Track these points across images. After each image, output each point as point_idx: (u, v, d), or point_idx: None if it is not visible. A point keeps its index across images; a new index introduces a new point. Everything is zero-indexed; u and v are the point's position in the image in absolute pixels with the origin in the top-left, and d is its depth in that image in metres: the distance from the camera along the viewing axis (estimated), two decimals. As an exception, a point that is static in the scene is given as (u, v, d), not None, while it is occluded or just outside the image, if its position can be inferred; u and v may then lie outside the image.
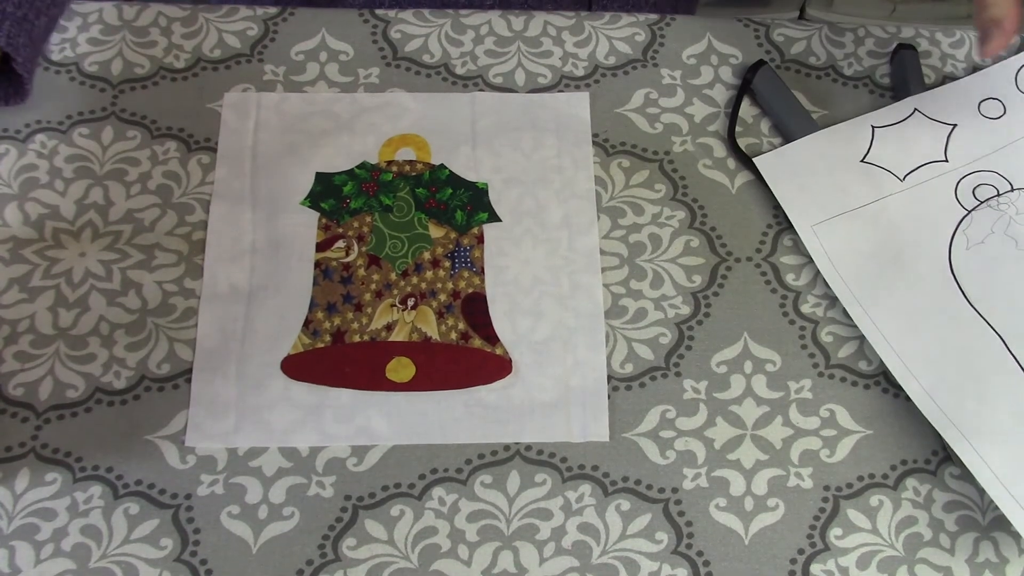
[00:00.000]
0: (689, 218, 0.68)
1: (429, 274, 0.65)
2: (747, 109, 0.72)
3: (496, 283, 0.65)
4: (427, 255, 0.65)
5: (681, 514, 0.59)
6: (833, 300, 0.65)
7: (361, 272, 0.65)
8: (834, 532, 0.59)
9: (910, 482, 0.61)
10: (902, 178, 0.69)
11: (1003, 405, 0.60)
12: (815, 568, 0.58)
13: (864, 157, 0.69)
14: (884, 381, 0.63)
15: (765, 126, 0.72)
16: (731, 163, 0.70)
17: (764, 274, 0.66)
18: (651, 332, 0.64)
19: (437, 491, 0.59)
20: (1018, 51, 0.75)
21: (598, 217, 0.67)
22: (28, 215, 0.65)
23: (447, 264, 0.65)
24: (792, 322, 0.65)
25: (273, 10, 0.73)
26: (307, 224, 0.66)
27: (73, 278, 0.63)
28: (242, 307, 0.63)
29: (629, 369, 0.63)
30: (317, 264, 0.65)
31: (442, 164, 0.68)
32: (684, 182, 0.69)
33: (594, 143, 0.70)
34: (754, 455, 0.61)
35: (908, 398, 0.61)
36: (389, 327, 0.63)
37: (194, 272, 0.64)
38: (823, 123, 0.71)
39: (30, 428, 0.60)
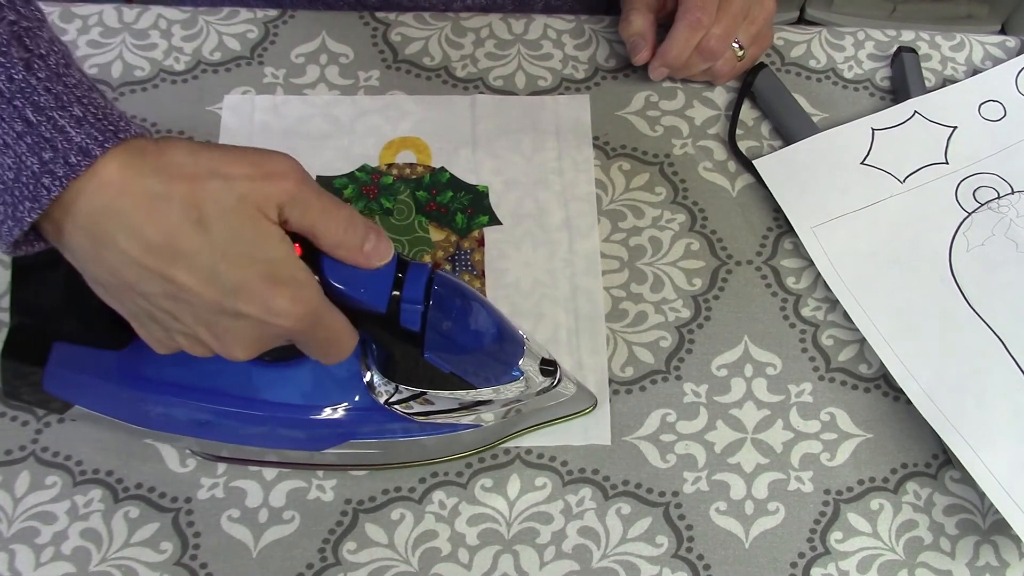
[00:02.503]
0: (689, 221, 0.68)
1: (429, 277, 0.65)
2: (748, 112, 0.72)
3: (496, 286, 0.65)
4: (427, 258, 0.65)
5: (681, 518, 0.59)
6: (834, 303, 0.65)
7: (361, 275, 0.65)
8: (834, 536, 0.59)
9: (910, 486, 0.61)
10: (902, 180, 0.69)
11: (1003, 407, 0.60)
12: (815, 572, 0.58)
13: (864, 159, 0.69)
14: (884, 384, 0.63)
15: (766, 129, 0.72)
16: (731, 166, 0.70)
17: (764, 277, 0.66)
18: (651, 335, 0.64)
19: (437, 495, 0.59)
20: (1018, 54, 0.75)
21: (598, 220, 0.67)
22: (28, 218, 0.65)
23: (447, 267, 0.65)
24: (792, 325, 0.65)
25: (273, 12, 0.73)
26: (307, 227, 0.66)
27: (73, 281, 0.63)
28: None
29: (630, 372, 0.63)
30: (317, 267, 0.65)
31: (442, 167, 0.68)
32: (684, 185, 0.69)
33: (594, 146, 0.70)
34: (754, 459, 0.61)
35: (908, 401, 0.61)
36: (389, 330, 0.63)
37: (194, 275, 0.64)
38: (823, 126, 0.71)
39: (30, 431, 0.59)
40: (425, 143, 0.69)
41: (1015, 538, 0.59)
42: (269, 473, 0.59)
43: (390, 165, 0.68)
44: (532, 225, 0.67)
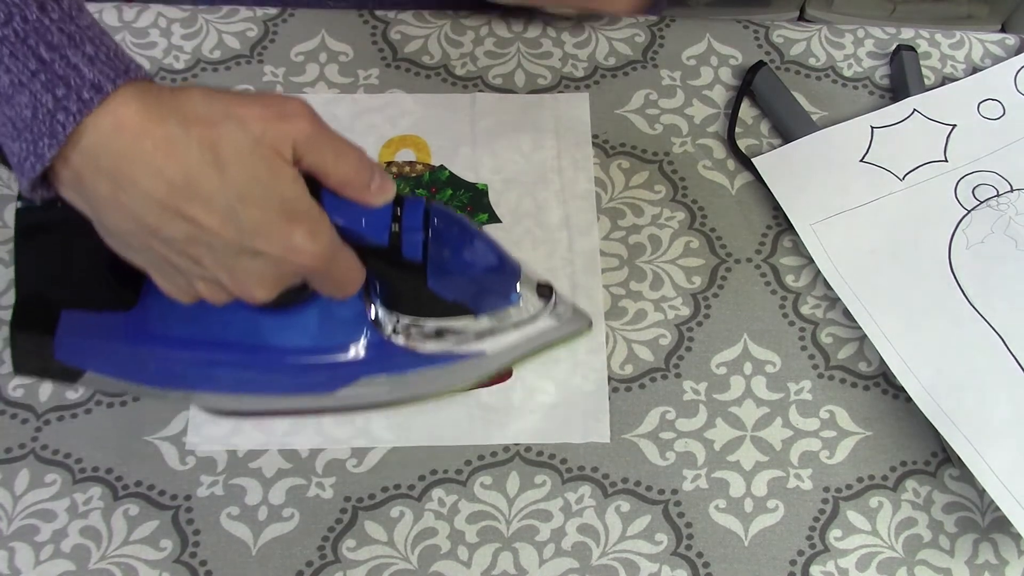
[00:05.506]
0: (689, 219, 0.68)
1: (429, 275, 0.65)
2: (747, 110, 0.72)
3: (496, 284, 0.65)
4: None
5: (681, 515, 0.59)
6: (833, 301, 0.65)
7: (361, 273, 0.65)
8: (834, 533, 0.59)
9: (910, 483, 0.61)
10: (901, 178, 0.69)
11: (1003, 404, 0.60)
12: (815, 569, 0.58)
13: (863, 157, 0.69)
14: (884, 382, 0.63)
15: (765, 127, 0.72)
16: (731, 164, 0.70)
17: (764, 275, 0.66)
18: (651, 333, 0.64)
19: (437, 492, 0.59)
20: (1018, 52, 0.75)
21: (598, 218, 0.67)
22: (28, 216, 0.65)
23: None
24: (792, 323, 0.65)
25: (273, 11, 0.73)
26: (307, 225, 0.66)
27: (73, 279, 0.63)
28: (242, 308, 0.63)
29: (629, 370, 0.63)
30: (317, 265, 0.65)
31: (442, 165, 0.68)
32: (684, 183, 0.69)
33: (594, 144, 0.70)
34: (754, 456, 0.61)
35: (908, 399, 0.61)
36: (389, 328, 0.63)
37: (194, 273, 0.64)
38: (823, 124, 0.71)
39: (30, 429, 0.60)
40: (425, 141, 0.69)
41: (1014, 536, 0.59)
42: (268, 470, 0.59)
43: (389, 163, 0.68)
44: (531, 223, 0.67)
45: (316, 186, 0.45)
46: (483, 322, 0.55)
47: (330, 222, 0.45)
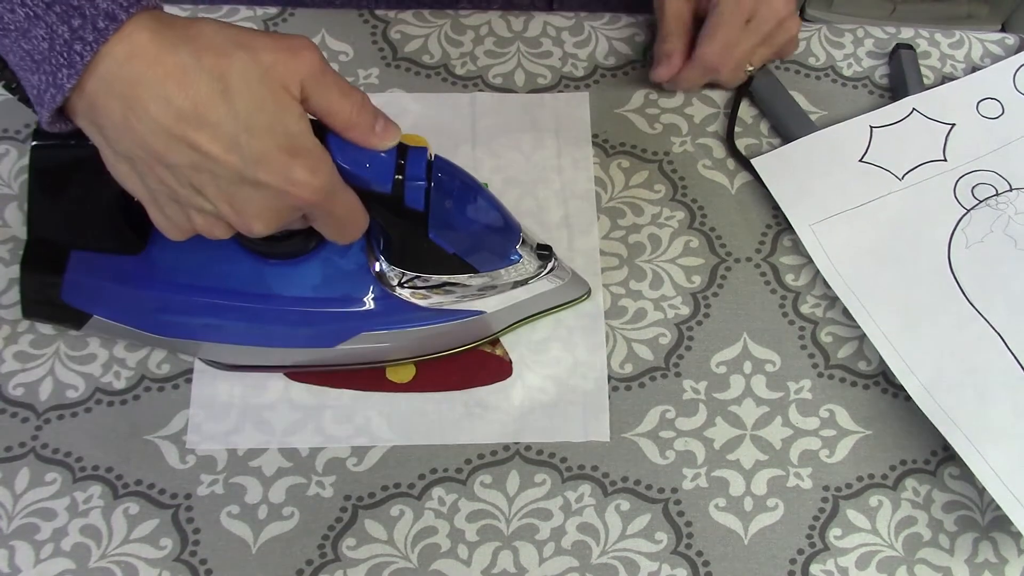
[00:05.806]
0: (688, 218, 0.68)
1: (429, 274, 0.65)
2: (746, 110, 0.72)
3: (496, 283, 0.65)
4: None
5: (681, 514, 0.59)
6: (832, 300, 0.65)
7: (361, 272, 0.65)
8: (833, 532, 0.59)
9: (909, 482, 0.61)
10: (900, 177, 0.69)
11: (1003, 403, 0.60)
12: (814, 568, 0.58)
13: (863, 157, 0.70)
14: (884, 381, 0.63)
15: (764, 127, 0.72)
16: (730, 163, 0.70)
17: (764, 274, 0.66)
18: (651, 332, 0.64)
19: (437, 491, 0.59)
20: (1017, 51, 0.75)
21: (598, 217, 0.67)
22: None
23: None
24: (792, 322, 0.65)
25: (273, 10, 0.73)
26: (307, 224, 0.66)
27: (73, 278, 0.63)
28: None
29: (629, 369, 0.63)
30: (317, 264, 0.65)
31: (442, 164, 0.69)
32: (684, 183, 0.69)
33: (594, 143, 0.70)
34: (754, 455, 0.61)
35: (907, 398, 0.62)
36: (389, 327, 0.63)
37: (194, 272, 0.64)
38: (822, 123, 0.71)
39: (30, 428, 0.60)
40: (425, 141, 0.69)
41: (1014, 534, 0.59)
42: (268, 469, 0.59)
43: (389, 163, 0.68)
44: (532, 223, 0.67)
45: (322, 132, 0.46)
46: (483, 279, 0.56)
47: (332, 162, 0.46)
